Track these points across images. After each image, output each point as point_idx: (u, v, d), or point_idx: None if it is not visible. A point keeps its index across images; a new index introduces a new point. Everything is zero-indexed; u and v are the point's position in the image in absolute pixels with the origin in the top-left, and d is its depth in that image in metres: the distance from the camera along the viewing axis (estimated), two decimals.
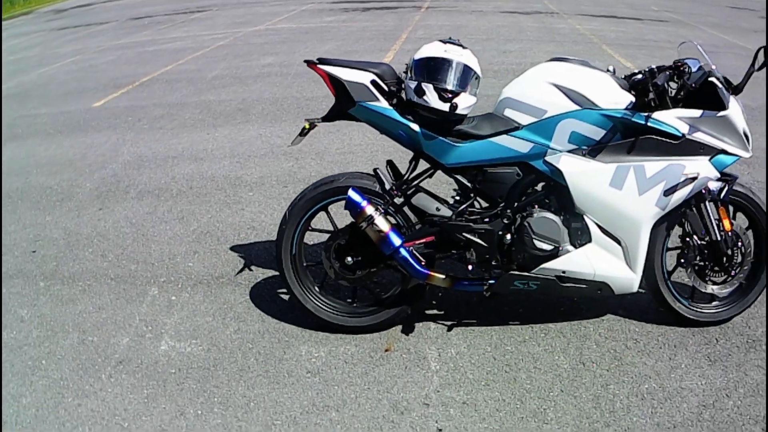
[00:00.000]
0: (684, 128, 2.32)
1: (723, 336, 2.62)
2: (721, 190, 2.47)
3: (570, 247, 2.43)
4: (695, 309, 2.64)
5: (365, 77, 2.39)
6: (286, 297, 2.96)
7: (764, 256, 2.58)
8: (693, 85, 2.33)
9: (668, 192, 2.35)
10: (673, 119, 2.33)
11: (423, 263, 2.47)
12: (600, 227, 2.41)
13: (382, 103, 2.40)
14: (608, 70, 2.45)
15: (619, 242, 2.42)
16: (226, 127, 5.62)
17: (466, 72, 2.33)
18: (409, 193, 2.52)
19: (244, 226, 3.78)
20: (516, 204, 2.46)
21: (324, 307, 2.65)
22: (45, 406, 2.42)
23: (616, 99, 2.34)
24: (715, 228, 2.49)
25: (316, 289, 2.68)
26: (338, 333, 2.70)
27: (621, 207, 2.37)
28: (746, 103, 5.71)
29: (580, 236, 2.44)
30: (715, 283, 2.59)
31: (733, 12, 13.12)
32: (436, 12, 12.06)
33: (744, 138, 2.36)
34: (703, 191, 2.44)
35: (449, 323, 2.72)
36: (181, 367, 2.60)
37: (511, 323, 2.72)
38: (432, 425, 2.18)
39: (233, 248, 3.56)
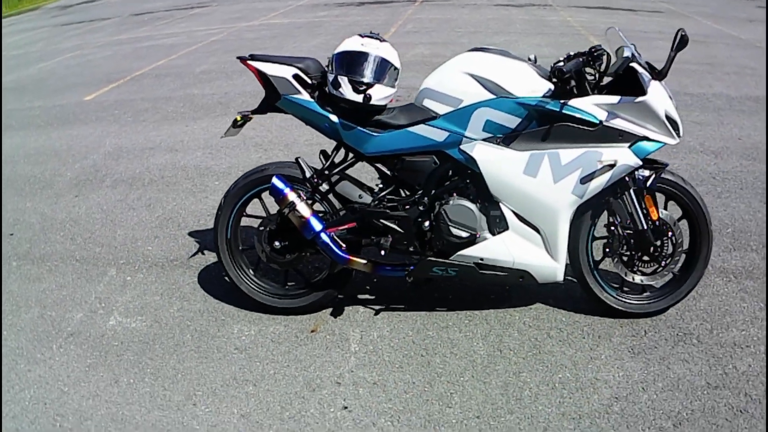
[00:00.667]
0: (601, 115, 2.30)
1: (653, 328, 2.58)
2: (648, 178, 2.41)
3: (488, 235, 2.47)
4: (624, 300, 2.59)
5: (288, 71, 2.52)
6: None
7: (698, 247, 2.51)
8: (601, 71, 2.36)
9: (585, 180, 2.33)
10: (590, 106, 2.31)
11: (343, 248, 2.59)
12: (517, 215, 2.43)
13: (304, 96, 2.52)
14: (529, 59, 2.48)
15: (537, 230, 2.42)
16: (205, 120, 5.81)
17: (383, 64, 2.43)
18: (333, 180, 2.66)
19: (205, 214, 3.96)
20: (433, 191, 2.50)
21: (257, 289, 2.82)
22: None
23: (533, 87, 2.34)
24: (641, 217, 2.43)
25: (251, 271, 2.84)
26: (271, 314, 2.86)
27: (536, 195, 2.37)
28: (726, 93, 5.76)
29: (498, 224, 2.46)
30: (644, 274, 2.54)
31: (729, 2, 13.02)
32: (430, 6, 12.13)
33: (667, 124, 2.31)
34: (627, 179, 2.40)
35: (378, 307, 2.85)
36: (124, 341, 2.79)
37: (438, 309, 2.79)
38: (339, 403, 2.30)
39: (191, 234, 3.74)
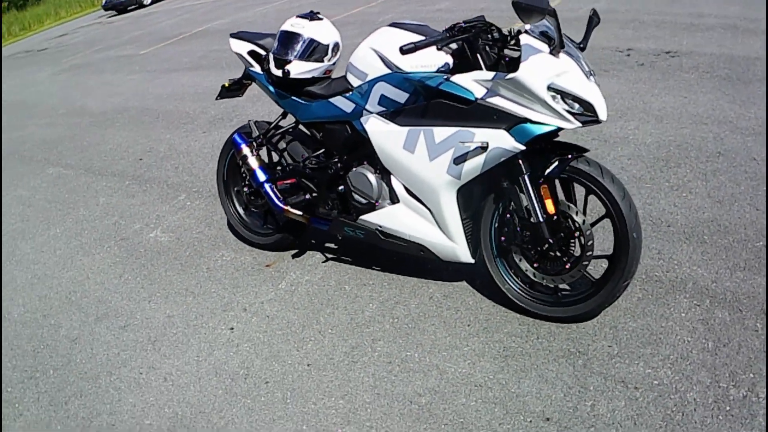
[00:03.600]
0: (479, 92, 2.29)
1: (548, 335, 2.48)
2: (547, 165, 2.31)
3: (386, 204, 2.73)
4: (527, 296, 2.54)
5: (245, 48, 3.16)
6: None
7: (617, 255, 2.31)
8: (495, 42, 2.37)
9: (458, 160, 2.37)
10: (469, 82, 2.30)
11: (282, 199, 3.19)
12: (406, 189, 2.63)
13: (256, 69, 3.12)
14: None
15: (427, 207, 2.58)
16: None
17: (307, 43, 2.91)
18: (287, 140, 3.28)
19: None
20: (345, 158, 2.89)
21: (239, 224, 3.63)
22: (59, 254, 3.93)
23: (425, 62, 2.42)
24: (536, 208, 2.35)
25: (240, 209, 3.65)
26: (251, 246, 3.65)
27: (416, 170, 2.52)
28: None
29: (394, 195, 2.69)
30: (547, 273, 2.46)
31: None
32: None
33: (554, 104, 2.16)
34: (521, 163, 2.34)
35: (330, 257, 3.36)
36: (148, 249, 3.87)
37: (374, 267, 3.12)
38: (232, 323, 2.94)
39: None
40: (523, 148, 2.27)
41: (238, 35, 3.27)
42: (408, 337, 2.64)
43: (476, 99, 2.30)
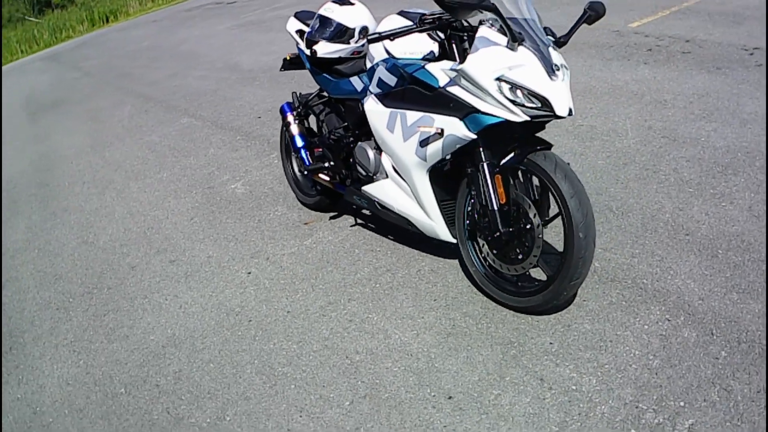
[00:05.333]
0: (443, 80, 2.52)
1: (500, 322, 2.68)
2: (503, 155, 2.51)
3: (381, 178, 3.09)
4: (490, 281, 2.76)
5: (294, 26, 3.68)
6: None
7: (565, 253, 2.43)
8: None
9: (423, 143, 2.66)
10: (437, 71, 2.54)
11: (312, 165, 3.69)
12: (392, 165, 2.98)
13: (301, 45, 3.63)
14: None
15: (407, 183, 2.91)
16: None
17: (335, 26, 3.36)
18: (326, 112, 3.74)
19: None
20: (357, 132, 3.30)
21: (294, 184, 4.18)
22: (155, 195, 4.78)
23: (413, 49, 2.71)
24: (492, 197, 2.53)
25: (296, 171, 4.20)
26: (302, 205, 4.19)
27: (394, 149, 2.86)
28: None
29: (386, 170, 3.04)
30: (503, 261, 2.63)
31: None
32: None
33: (499, 98, 2.33)
34: (481, 152, 2.54)
35: (360, 221, 3.79)
36: (223, 198, 4.58)
37: (389, 237, 3.52)
38: (251, 269, 3.52)
39: None
40: (474, 136, 2.49)
41: (298, 15, 3.77)
42: (377, 302, 3.01)
43: (438, 87, 2.55)
